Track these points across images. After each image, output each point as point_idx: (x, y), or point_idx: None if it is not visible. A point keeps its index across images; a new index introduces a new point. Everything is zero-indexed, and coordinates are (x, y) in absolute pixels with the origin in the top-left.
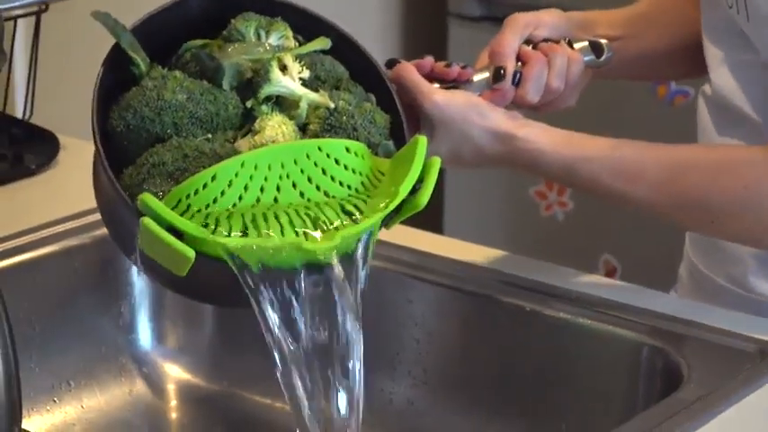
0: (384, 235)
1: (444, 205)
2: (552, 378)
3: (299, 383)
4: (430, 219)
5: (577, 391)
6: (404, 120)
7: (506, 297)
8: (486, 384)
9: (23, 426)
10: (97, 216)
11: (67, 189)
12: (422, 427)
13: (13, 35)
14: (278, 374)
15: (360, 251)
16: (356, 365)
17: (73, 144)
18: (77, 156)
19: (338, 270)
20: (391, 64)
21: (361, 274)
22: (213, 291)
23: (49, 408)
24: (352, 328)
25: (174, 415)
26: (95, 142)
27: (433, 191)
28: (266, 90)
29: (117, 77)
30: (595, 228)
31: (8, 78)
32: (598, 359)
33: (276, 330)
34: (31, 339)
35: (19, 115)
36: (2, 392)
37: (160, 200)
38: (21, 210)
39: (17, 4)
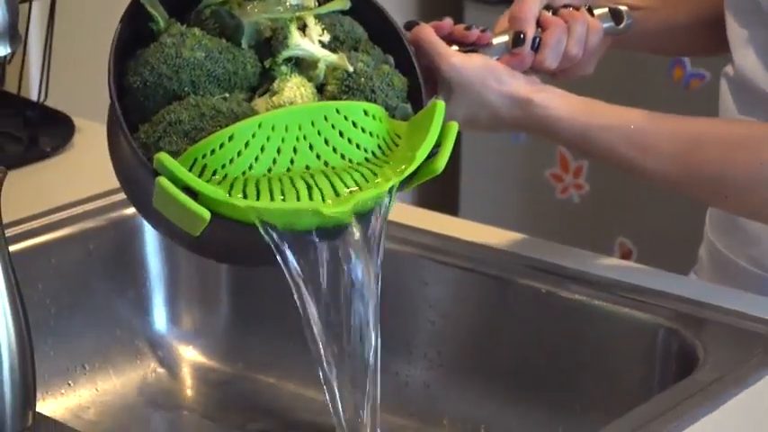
0: (400, 217)
1: (460, 187)
2: (568, 360)
3: (322, 338)
4: (446, 201)
5: (593, 374)
6: (421, 82)
7: (522, 279)
8: (502, 367)
9: (38, 409)
10: (112, 199)
11: (82, 172)
12: (437, 410)
13: (28, 18)
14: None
15: (377, 214)
16: (370, 319)
17: (88, 126)
18: (92, 138)
19: (355, 232)
20: (410, 26)
21: (379, 235)
22: (227, 250)
23: (63, 391)
24: (369, 289)
25: (188, 397)
26: (112, 99)
27: (450, 157)
28: (285, 54)
29: (135, 33)
30: (611, 210)
31: (23, 61)
32: (614, 341)
33: (302, 286)
34: (46, 322)
35: (34, 98)
36: (17, 375)
37: (176, 159)
38: (36, 192)
39: None
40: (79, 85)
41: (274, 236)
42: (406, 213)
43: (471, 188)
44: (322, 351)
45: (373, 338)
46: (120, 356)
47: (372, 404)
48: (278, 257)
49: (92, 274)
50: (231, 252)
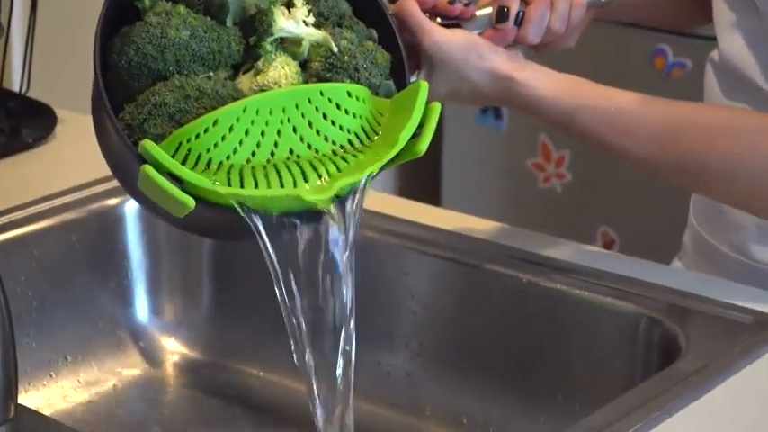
0: (381, 207)
1: (442, 177)
2: (550, 350)
3: (300, 319)
4: (428, 191)
5: (575, 363)
6: (405, 57)
7: (504, 269)
8: (483, 356)
9: (20, 401)
10: (94, 190)
11: (64, 163)
12: (419, 400)
13: (11, 8)
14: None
15: (355, 196)
16: (347, 301)
17: (70, 118)
18: (74, 129)
19: (335, 214)
20: None
21: (355, 217)
22: (211, 228)
23: (45, 382)
24: (345, 267)
25: (171, 388)
26: (96, 77)
27: (432, 147)
28: (269, 38)
29: (120, 9)
30: (593, 200)
31: (5, 52)
32: (596, 331)
33: (277, 267)
34: (28, 314)
35: (16, 89)
36: None
37: (161, 141)
38: (18, 184)
39: None
40: (61, 76)
41: (257, 221)
42: (388, 203)
43: (453, 178)
44: (302, 336)
45: (351, 322)
46: (102, 348)
47: (345, 390)
48: (259, 241)
49: (74, 265)
50: (214, 229)
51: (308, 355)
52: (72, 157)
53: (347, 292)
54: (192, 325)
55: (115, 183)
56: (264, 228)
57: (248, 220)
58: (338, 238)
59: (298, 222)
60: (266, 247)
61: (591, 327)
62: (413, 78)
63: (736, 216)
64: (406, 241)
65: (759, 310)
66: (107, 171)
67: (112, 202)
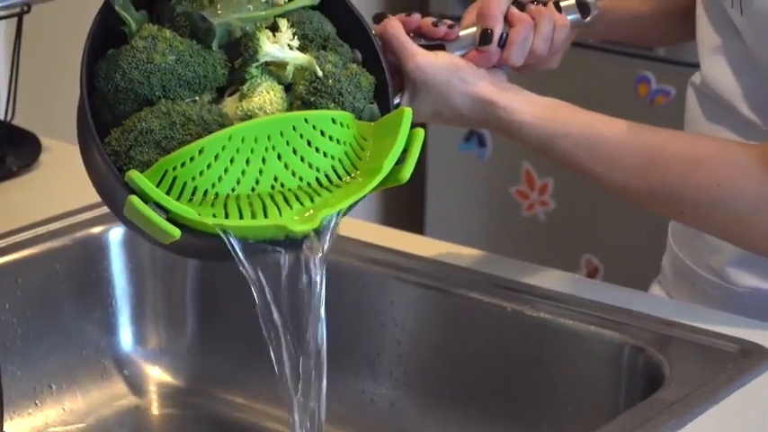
0: (365, 236)
1: (426, 205)
2: (534, 378)
3: (281, 336)
4: (411, 219)
5: (559, 392)
6: (389, 79)
7: (487, 297)
8: (468, 385)
9: (5, 429)
10: (79, 218)
11: (49, 191)
12: (403, 429)
13: None
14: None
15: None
16: (320, 319)
17: (55, 146)
18: (59, 158)
19: (314, 239)
20: (379, 18)
21: (331, 239)
22: (198, 252)
23: (30, 411)
24: (317, 287)
25: (155, 416)
26: (84, 105)
27: (415, 175)
28: (255, 64)
29: (106, 30)
30: (577, 227)
31: None
32: (580, 359)
33: (262, 290)
34: (13, 342)
35: (1, 117)
36: None
37: (147, 168)
38: (2, 211)
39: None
40: (46, 104)
41: (238, 250)
42: (372, 232)
43: (437, 206)
44: (284, 359)
45: (322, 343)
46: (86, 376)
47: (316, 412)
48: (242, 268)
49: (58, 293)
50: (200, 252)
51: (288, 379)
52: (57, 185)
53: (322, 310)
54: (175, 354)
55: (99, 211)
56: (247, 253)
57: (230, 247)
58: (315, 259)
59: (281, 250)
60: (248, 272)
61: (575, 355)
62: (396, 100)
63: (714, 240)
64: (390, 270)
65: (743, 338)
66: (91, 199)
67: (97, 230)
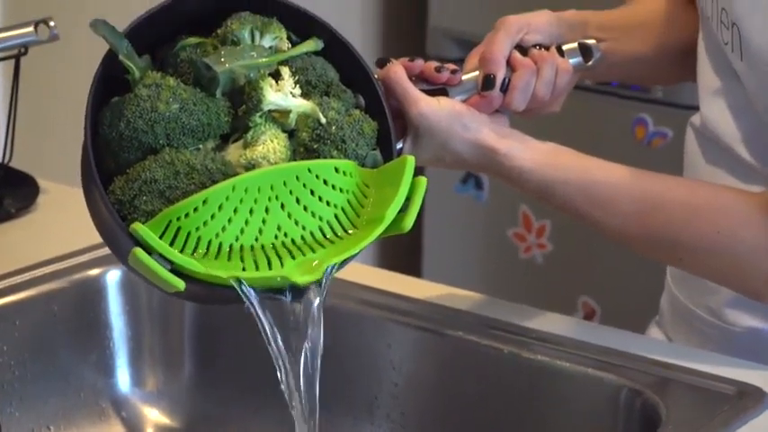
0: (362, 278)
1: (423, 247)
2: (531, 421)
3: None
4: (409, 261)
5: None
6: (391, 125)
7: (485, 340)
8: (465, 427)
9: None
10: (76, 260)
11: (46, 233)
12: None
13: None
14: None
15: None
16: (317, 359)
17: (52, 188)
18: (57, 200)
19: (315, 289)
20: (382, 63)
21: (329, 283)
22: (201, 298)
23: None
24: (316, 329)
25: None
26: (88, 155)
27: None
28: (259, 114)
29: (110, 77)
30: (574, 270)
31: None
32: (577, 402)
33: (267, 329)
34: (11, 384)
35: None
36: None
37: (151, 218)
38: (0, 253)
39: None
40: (44, 146)
41: (250, 295)
42: (369, 275)
43: (434, 248)
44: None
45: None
46: (84, 418)
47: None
48: (253, 311)
49: (56, 335)
50: (204, 298)
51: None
52: (54, 227)
53: (319, 348)
54: (173, 395)
55: (97, 253)
56: (254, 299)
57: (244, 297)
58: (315, 304)
59: (284, 297)
60: (258, 316)
61: (572, 398)
62: (399, 145)
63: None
64: (388, 312)
65: (740, 380)
66: (89, 241)
67: (94, 272)
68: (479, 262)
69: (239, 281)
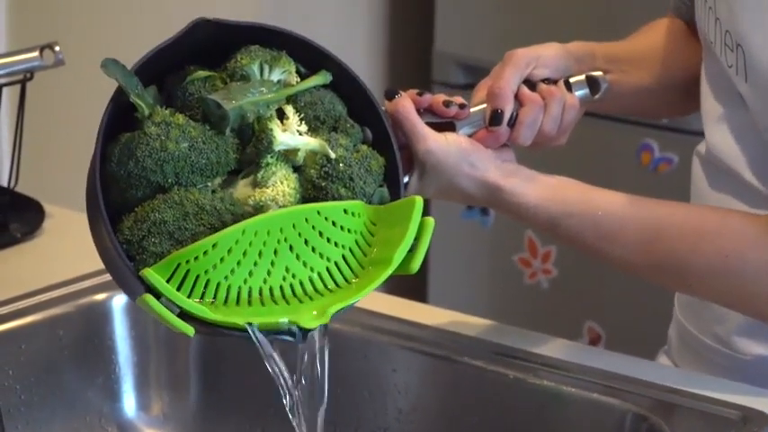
0: (368, 304)
1: (429, 274)
2: None
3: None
4: (414, 287)
5: None
6: (399, 162)
7: (490, 366)
8: None
9: None
10: (82, 285)
11: (52, 258)
12: None
13: None
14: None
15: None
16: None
17: (58, 213)
18: (62, 224)
19: (319, 330)
20: (391, 95)
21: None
22: (210, 332)
23: None
24: (321, 364)
25: None
26: (97, 197)
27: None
28: (270, 155)
29: (117, 110)
30: (580, 295)
31: None
32: (583, 427)
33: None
34: (17, 408)
35: (4, 183)
36: None
37: (159, 260)
38: (5, 278)
39: (2, 72)
40: (50, 171)
41: (260, 338)
42: (375, 301)
43: (440, 274)
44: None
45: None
46: None
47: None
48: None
49: (61, 360)
50: (206, 334)
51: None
52: (60, 252)
53: (325, 384)
54: (178, 420)
55: (102, 278)
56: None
57: (255, 339)
58: (317, 344)
59: (291, 339)
60: (268, 356)
61: (578, 423)
62: (405, 179)
63: (720, 308)
64: (393, 338)
65: (746, 405)
66: (94, 266)
67: (100, 297)
68: (485, 287)
69: (250, 324)
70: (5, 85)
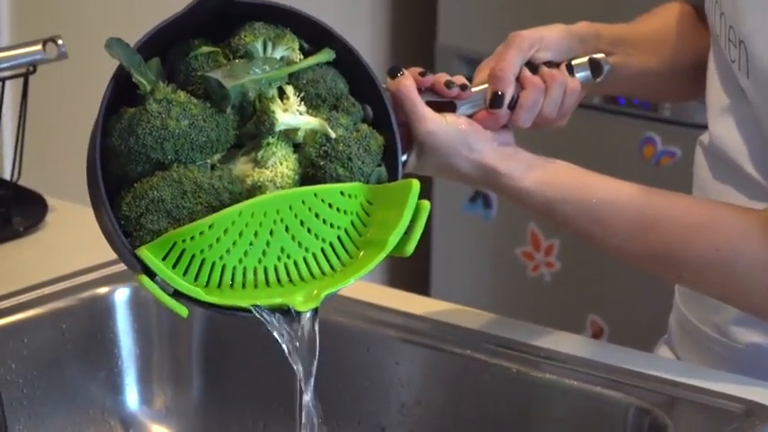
0: (371, 297)
1: (431, 267)
2: None
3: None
4: (417, 280)
5: None
6: (398, 141)
7: (493, 358)
8: None
9: None
10: (84, 278)
11: (55, 251)
12: None
13: (1, 97)
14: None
15: None
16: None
17: (60, 206)
18: (65, 218)
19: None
20: (394, 72)
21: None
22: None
23: None
24: (310, 345)
25: None
26: (96, 175)
27: (421, 236)
28: (272, 135)
29: (123, 88)
30: (583, 288)
31: None
32: (585, 420)
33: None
34: (19, 402)
35: (7, 177)
36: None
37: (156, 237)
38: (8, 272)
39: (4, 65)
40: (52, 164)
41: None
42: (378, 294)
43: (442, 267)
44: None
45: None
46: None
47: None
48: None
49: (64, 353)
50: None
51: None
52: (62, 246)
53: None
54: (181, 414)
55: (105, 271)
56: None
57: (260, 317)
58: (306, 325)
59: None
60: (268, 324)
61: (580, 416)
62: (403, 157)
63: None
64: (396, 331)
65: (748, 398)
66: (97, 259)
67: (102, 290)
68: (488, 281)
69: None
70: (8, 78)
